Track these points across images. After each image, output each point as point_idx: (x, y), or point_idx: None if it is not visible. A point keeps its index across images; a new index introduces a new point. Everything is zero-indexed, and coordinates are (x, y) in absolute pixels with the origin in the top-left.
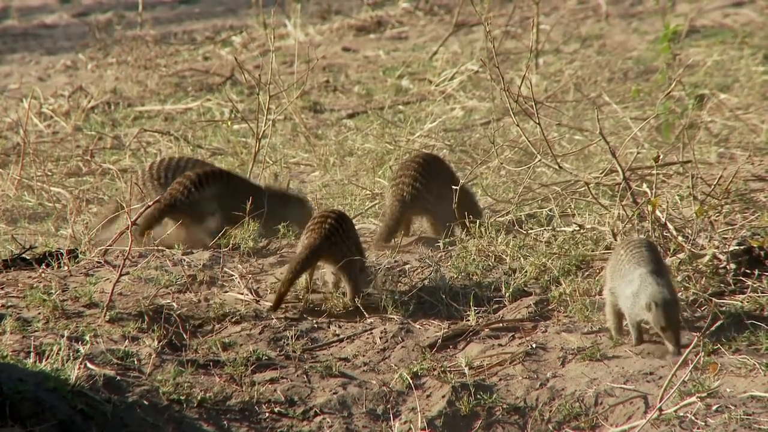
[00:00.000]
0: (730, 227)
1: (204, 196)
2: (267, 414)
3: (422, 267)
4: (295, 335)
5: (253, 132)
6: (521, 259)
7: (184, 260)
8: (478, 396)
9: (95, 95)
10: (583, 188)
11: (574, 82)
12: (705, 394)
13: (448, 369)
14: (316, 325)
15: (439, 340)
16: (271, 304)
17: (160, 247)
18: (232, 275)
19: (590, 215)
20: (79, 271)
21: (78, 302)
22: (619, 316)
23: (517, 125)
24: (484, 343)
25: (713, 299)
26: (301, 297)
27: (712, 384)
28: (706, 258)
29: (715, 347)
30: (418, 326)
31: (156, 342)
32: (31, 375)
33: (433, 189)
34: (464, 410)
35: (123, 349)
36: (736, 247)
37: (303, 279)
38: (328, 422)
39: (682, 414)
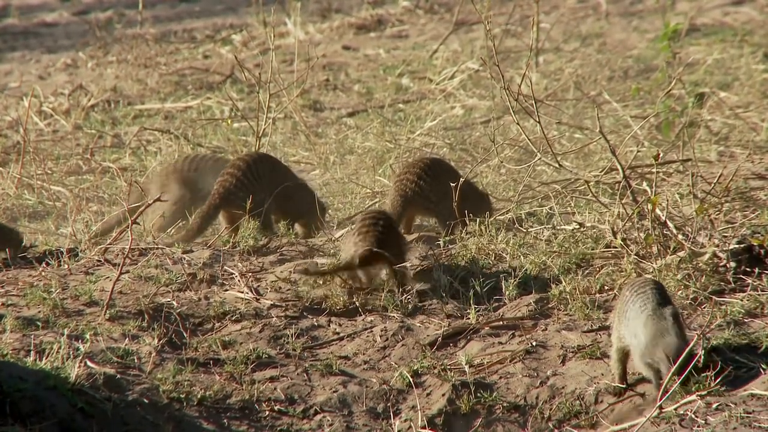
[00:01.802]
0: (730, 225)
1: (256, 184)
2: (267, 412)
3: (422, 265)
4: (295, 333)
5: (254, 130)
6: (521, 257)
7: (184, 258)
8: (479, 394)
9: (95, 93)
10: (583, 186)
11: (574, 80)
12: (705, 393)
13: (449, 367)
14: (316, 324)
15: (440, 338)
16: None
17: (159, 246)
18: (232, 273)
19: (590, 213)
20: (79, 270)
21: (78, 301)
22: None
23: (518, 124)
24: (485, 341)
25: (713, 297)
26: (302, 296)
27: (712, 382)
28: (706, 256)
29: (715, 345)
30: (418, 324)
31: (156, 340)
32: (31, 373)
33: (435, 189)
34: (464, 408)
35: (123, 348)
36: (736, 246)
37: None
38: (328, 420)
39: (682, 412)
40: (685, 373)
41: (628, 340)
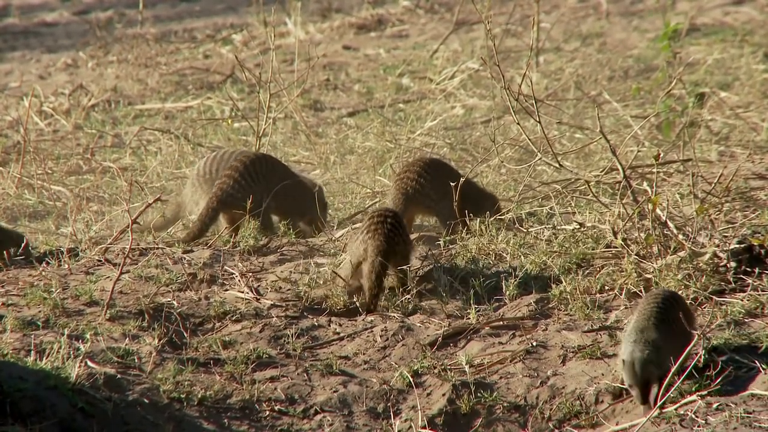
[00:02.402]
0: (730, 225)
1: (254, 185)
2: (267, 412)
3: (423, 265)
4: (295, 333)
5: (254, 130)
6: (522, 257)
7: (185, 258)
8: (479, 394)
9: (96, 93)
10: (583, 186)
11: (575, 80)
12: (705, 392)
13: (449, 367)
14: (316, 324)
15: (440, 338)
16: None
17: (160, 246)
18: (233, 273)
19: (591, 213)
20: (80, 270)
21: (78, 300)
22: None
23: (518, 123)
24: (485, 341)
25: (714, 297)
26: (302, 295)
27: (713, 382)
28: (707, 256)
29: (716, 345)
30: (418, 324)
31: (156, 340)
32: (31, 373)
33: (435, 187)
34: (465, 408)
35: (123, 348)
36: (737, 246)
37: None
38: (328, 420)
39: (682, 412)
40: (659, 388)
41: None
